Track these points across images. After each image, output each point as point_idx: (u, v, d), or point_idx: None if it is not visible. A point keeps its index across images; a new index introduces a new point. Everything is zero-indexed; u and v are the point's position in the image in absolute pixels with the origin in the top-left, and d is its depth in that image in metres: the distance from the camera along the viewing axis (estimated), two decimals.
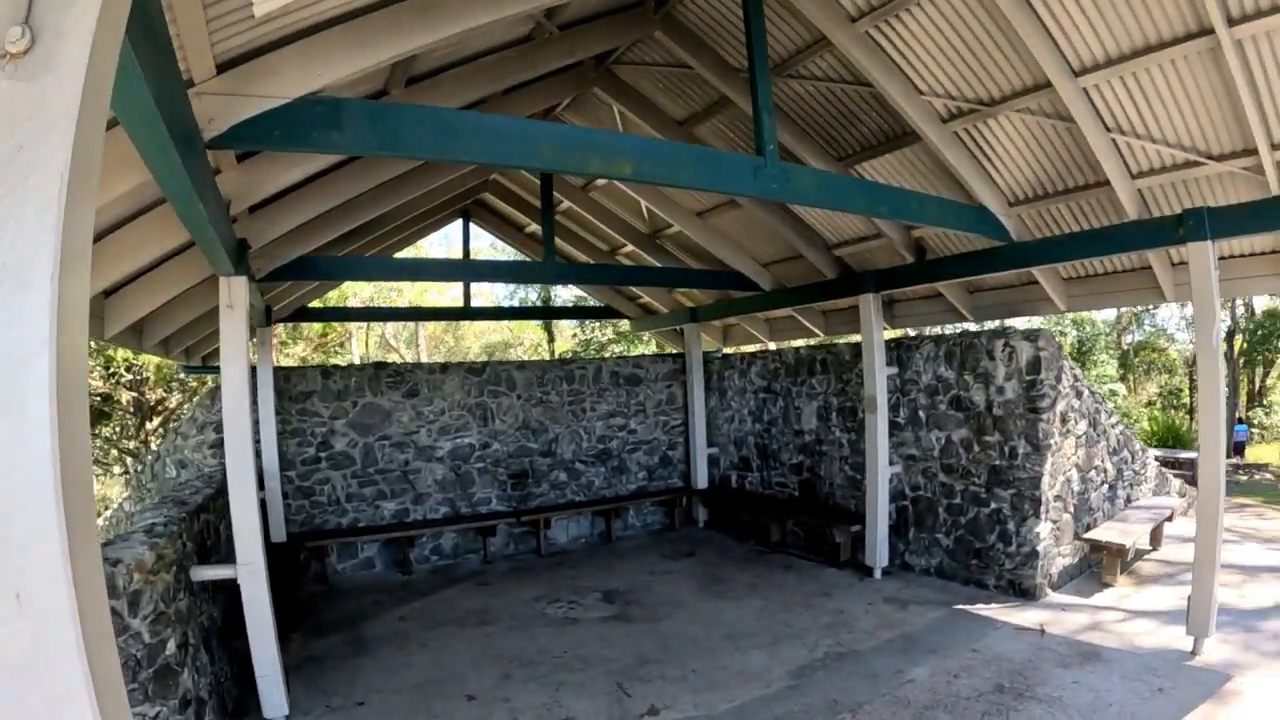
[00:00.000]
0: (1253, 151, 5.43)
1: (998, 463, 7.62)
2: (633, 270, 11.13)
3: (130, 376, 18.04)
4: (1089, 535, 7.71)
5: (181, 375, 18.51)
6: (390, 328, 28.97)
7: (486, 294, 30.78)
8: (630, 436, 12.02)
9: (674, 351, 13.12)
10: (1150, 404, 24.83)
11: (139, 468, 12.25)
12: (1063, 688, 5.27)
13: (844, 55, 6.08)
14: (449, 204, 10.79)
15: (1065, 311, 8.51)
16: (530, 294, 27.88)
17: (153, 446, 15.33)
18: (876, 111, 6.86)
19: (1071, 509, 7.74)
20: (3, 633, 1.47)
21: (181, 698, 4.24)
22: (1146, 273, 7.16)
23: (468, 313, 12.82)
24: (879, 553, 8.46)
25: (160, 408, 19.08)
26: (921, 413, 8.50)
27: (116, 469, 18.61)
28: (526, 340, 31.46)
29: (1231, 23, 4.69)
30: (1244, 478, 15.80)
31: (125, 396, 18.29)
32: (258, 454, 8.33)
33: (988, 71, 5.95)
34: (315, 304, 11.90)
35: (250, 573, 5.07)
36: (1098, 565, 7.79)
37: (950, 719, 4.94)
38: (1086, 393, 8.10)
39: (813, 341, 11.55)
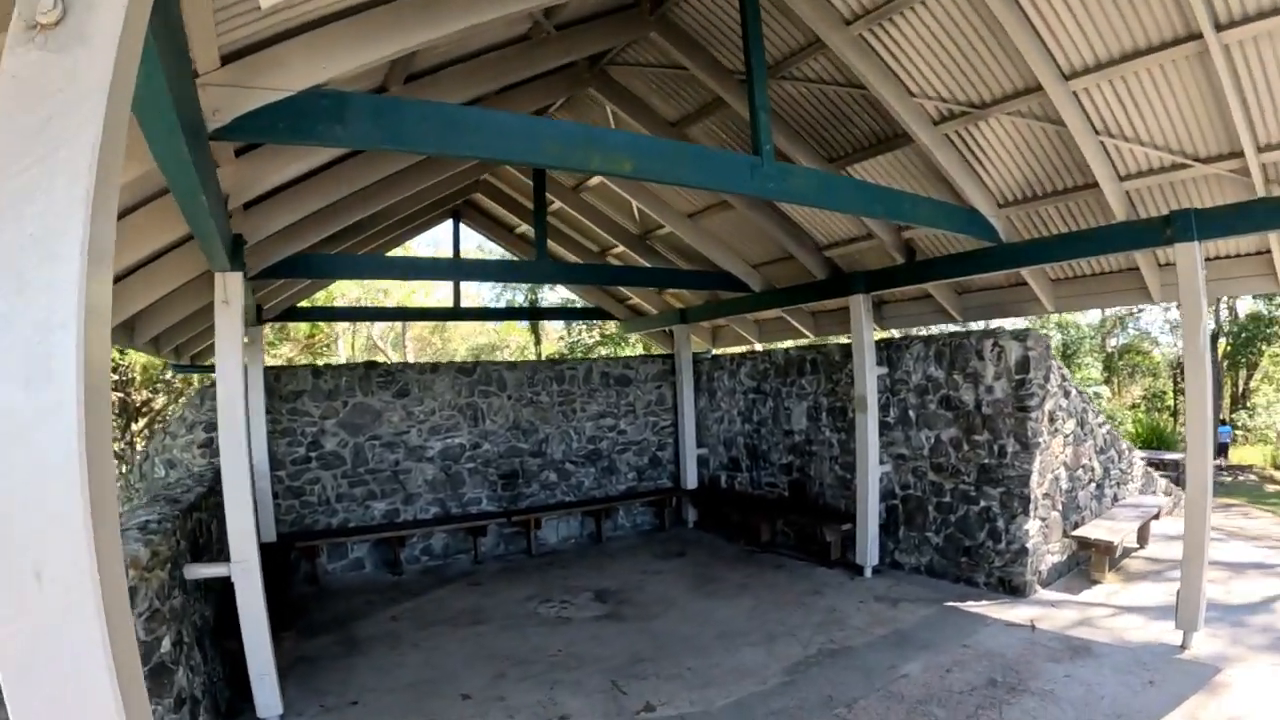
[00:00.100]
0: (1239, 154, 5.54)
1: (987, 461, 7.70)
2: (624, 270, 11.15)
3: (116, 377, 17.84)
4: (1077, 533, 7.80)
5: (167, 377, 18.35)
6: (377, 330, 28.85)
7: (473, 297, 30.68)
8: (620, 437, 12.03)
9: (664, 353, 13.14)
10: (1134, 407, 25.12)
11: (126, 468, 12.11)
12: (1055, 681, 5.32)
13: (838, 58, 6.14)
14: (440, 204, 10.78)
15: (1053, 312, 8.62)
16: (517, 296, 27.84)
17: (139, 448, 15.16)
18: (868, 113, 6.92)
19: (1060, 507, 7.83)
20: (22, 614, 1.46)
21: (176, 696, 4.20)
22: (1134, 274, 7.26)
23: (457, 313, 12.77)
24: (870, 551, 8.51)
25: (146, 409, 18.88)
26: (911, 412, 8.57)
27: None
28: (513, 343, 31.41)
29: (1219, 28, 4.78)
30: (1228, 479, 16.03)
31: (111, 398, 18.08)
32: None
33: (979, 75, 6.03)
34: (303, 304, 11.80)
35: (245, 570, 5.03)
36: (1086, 562, 7.89)
37: (945, 713, 4.98)
38: (1074, 392, 8.20)
39: (802, 342, 11.61)
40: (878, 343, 8.89)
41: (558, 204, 10.65)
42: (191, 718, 4.47)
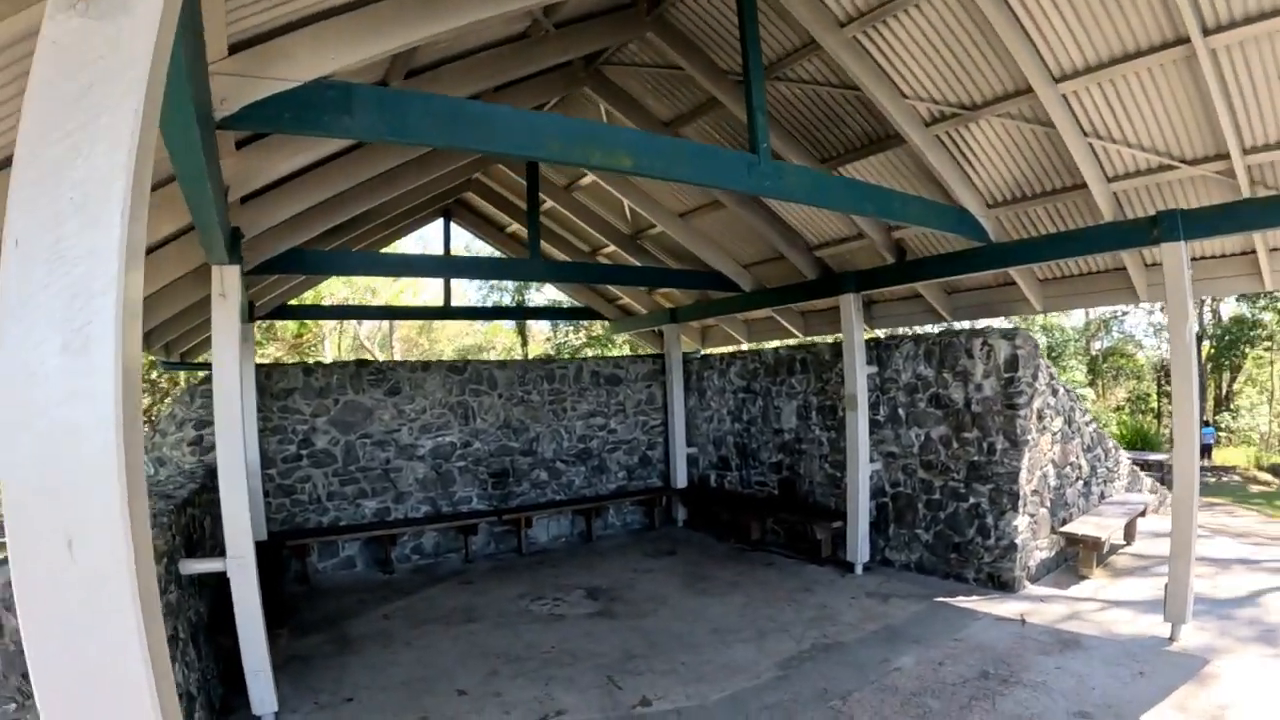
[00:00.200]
0: (1225, 156, 5.66)
1: (976, 458, 7.79)
2: (616, 269, 11.18)
3: None
4: (1065, 529, 7.90)
5: (154, 377, 18.17)
6: (365, 330, 28.71)
7: (461, 298, 30.60)
8: (610, 436, 12.05)
9: (654, 352, 13.18)
10: (1119, 409, 25.44)
11: None
12: (1046, 673, 5.40)
13: (831, 59, 6.21)
14: (432, 202, 10.77)
15: (1042, 312, 8.73)
16: (505, 298, 27.81)
17: None
18: (861, 114, 7.00)
19: (1048, 503, 7.93)
20: (51, 584, 1.46)
21: None
22: (1121, 274, 7.38)
23: (448, 312, 12.75)
24: (860, 549, 8.58)
25: None
26: (901, 410, 8.66)
27: None
28: (499, 344, 31.36)
29: (1207, 33, 4.89)
30: (1212, 479, 16.26)
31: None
32: None
33: (970, 77, 6.12)
34: (293, 302, 11.74)
35: (240, 566, 4.99)
36: (1074, 558, 7.99)
37: (939, 704, 5.04)
38: (1061, 390, 8.32)
39: (792, 342, 11.69)
40: (868, 341, 8.97)
41: (549, 203, 10.67)
42: (187, 714, 4.43)
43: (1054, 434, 8.04)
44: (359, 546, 9.61)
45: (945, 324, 9.34)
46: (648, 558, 9.98)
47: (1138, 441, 17.66)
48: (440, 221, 11.98)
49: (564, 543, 11.17)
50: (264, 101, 3.26)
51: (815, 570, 8.81)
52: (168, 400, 16.10)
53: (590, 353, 25.83)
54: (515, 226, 12.09)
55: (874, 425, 8.88)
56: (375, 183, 6.71)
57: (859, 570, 8.57)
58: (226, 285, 5.03)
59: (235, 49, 3.22)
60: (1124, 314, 27.10)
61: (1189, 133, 5.76)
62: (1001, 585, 7.50)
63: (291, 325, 23.61)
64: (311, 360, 22.59)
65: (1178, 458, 5.87)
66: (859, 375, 8.62)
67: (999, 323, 15.45)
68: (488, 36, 5.83)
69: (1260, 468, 18.36)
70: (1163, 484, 11.27)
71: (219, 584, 5.55)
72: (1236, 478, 16.96)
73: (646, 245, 11.10)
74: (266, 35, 3.35)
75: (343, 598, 8.32)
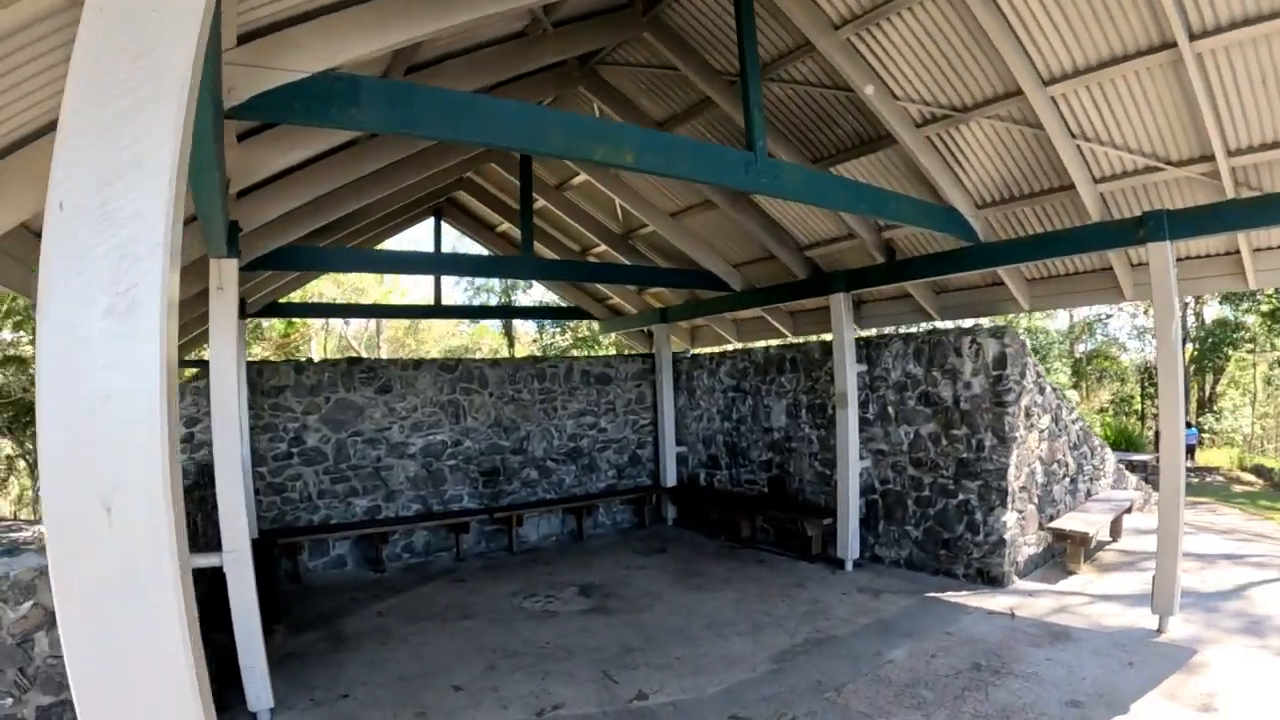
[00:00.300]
0: (1210, 158, 5.80)
1: (965, 455, 7.88)
2: (608, 267, 11.23)
3: None
4: (1053, 525, 8.02)
5: None
6: (352, 330, 28.56)
7: (447, 301, 30.52)
8: (600, 435, 12.08)
9: (644, 352, 13.23)
10: (1103, 410, 25.74)
11: None
12: (1037, 664, 5.48)
13: (825, 60, 6.29)
14: (424, 200, 10.78)
15: (1029, 311, 8.86)
16: (491, 300, 27.78)
17: None
18: (853, 115, 7.10)
19: (1036, 500, 8.05)
20: (87, 552, 1.47)
21: None
22: (1107, 273, 7.51)
23: (438, 310, 12.74)
24: (850, 545, 8.65)
25: None
26: (891, 408, 8.75)
27: None
28: (485, 346, 31.28)
29: (1193, 37, 5.01)
30: (1195, 480, 16.47)
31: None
32: None
33: (961, 80, 6.22)
34: (284, 300, 11.67)
35: (236, 560, 4.97)
36: (1062, 554, 8.11)
37: (932, 694, 5.10)
38: (1049, 389, 8.44)
39: (780, 341, 11.77)
40: (857, 340, 9.07)
41: (541, 202, 10.69)
42: None
43: (1041, 431, 8.16)
44: (350, 545, 9.57)
45: (933, 323, 9.45)
46: (639, 555, 10.01)
47: (1122, 442, 17.87)
48: (429, 224, 12.00)
49: (554, 541, 11.18)
50: (272, 92, 3.28)
51: (806, 567, 8.88)
52: None
53: (578, 354, 25.83)
54: (506, 226, 12.10)
55: (863, 423, 8.97)
56: (369, 180, 6.72)
57: (849, 567, 8.65)
58: (224, 278, 5.02)
59: (244, 39, 3.24)
60: (1108, 317, 27.47)
61: (1175, 135, 5.89)
62: (990, 580, 7.59)
63: (279, 325, 23.45)
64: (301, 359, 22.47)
65: (1164, 451, 5.99)
66: (849, 373, 8.71)
67: (987, 323, 15.61)
68: (488, 33, 5.86)
69: (1243, 468, 18.61)
70: (1147, 483, 11.45)
71: (213, 581, 5.53)
72: (1220, 478, 17.21)
73: (637, 245, 11.15)
74: (274, 26, 3.37)
75: (335, 596, 8.28)
